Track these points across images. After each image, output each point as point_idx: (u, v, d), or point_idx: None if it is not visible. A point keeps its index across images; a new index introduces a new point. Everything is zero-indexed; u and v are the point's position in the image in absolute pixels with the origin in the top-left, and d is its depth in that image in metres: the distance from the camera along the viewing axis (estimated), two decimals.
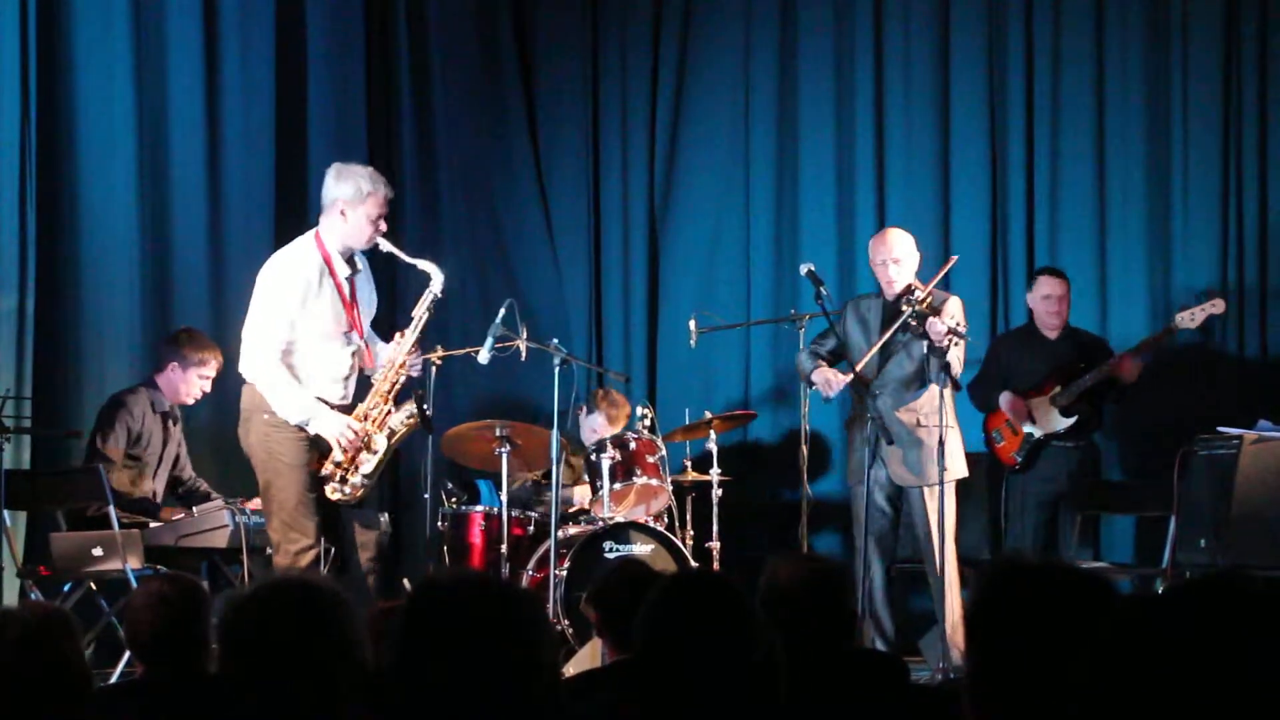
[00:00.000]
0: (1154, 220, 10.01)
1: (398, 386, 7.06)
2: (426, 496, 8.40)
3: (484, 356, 7.86)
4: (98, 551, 7.68)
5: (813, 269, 8.21)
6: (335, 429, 6.82)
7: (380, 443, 6.95)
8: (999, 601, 2.90)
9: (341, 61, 9.90)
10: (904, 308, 7.87)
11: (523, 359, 8.04)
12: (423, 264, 7.14)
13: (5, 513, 7.64)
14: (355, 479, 6.86)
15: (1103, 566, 8.21)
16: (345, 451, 6.85)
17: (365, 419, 6.96)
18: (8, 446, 7.66)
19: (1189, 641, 2.53)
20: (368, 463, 6.92)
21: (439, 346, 8.34)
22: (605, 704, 3.76)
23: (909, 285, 7.97)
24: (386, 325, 7.73)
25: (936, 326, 7.71)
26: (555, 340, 8.17)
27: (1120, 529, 9.24)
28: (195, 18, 9.11)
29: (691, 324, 9.02)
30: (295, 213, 8.95)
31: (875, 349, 8.03)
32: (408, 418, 7.05)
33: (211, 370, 8.35)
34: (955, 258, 8.45)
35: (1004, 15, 10.19)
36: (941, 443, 7.78)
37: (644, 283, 10.63)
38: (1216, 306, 8.82)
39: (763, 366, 10.42)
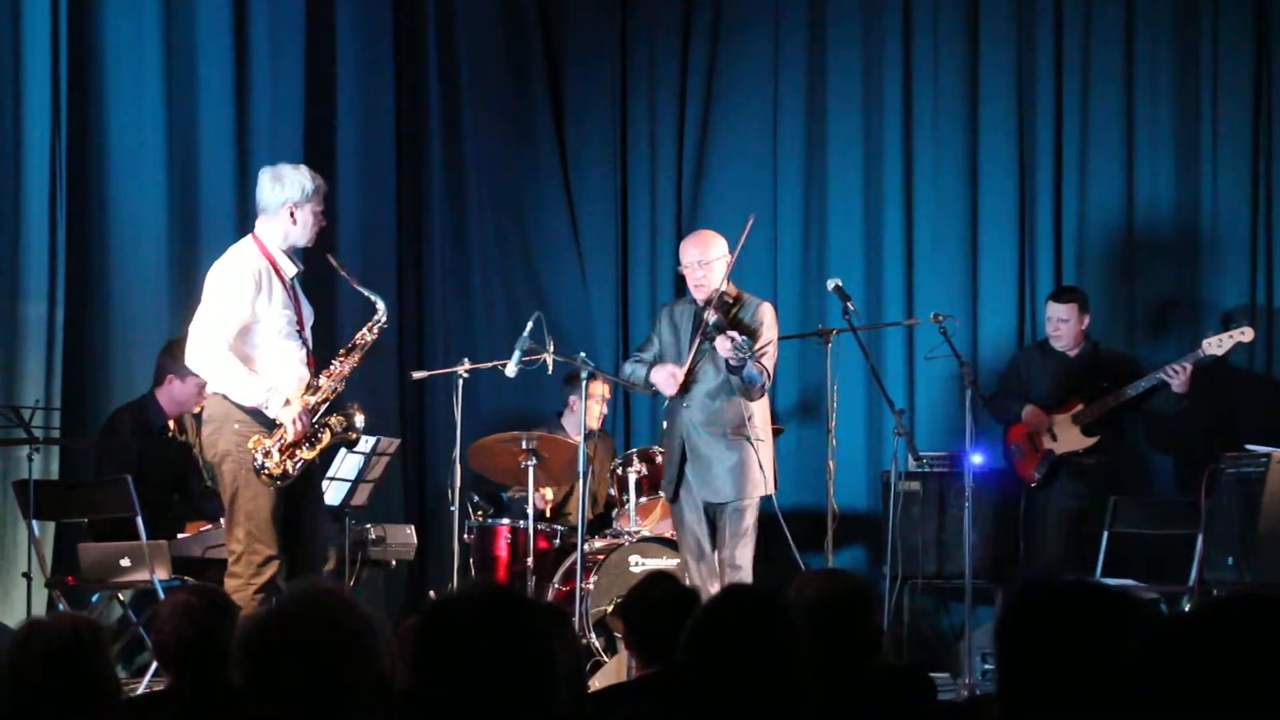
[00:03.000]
0: (1182, 238, 9.97)
1: (336, 394, 7.01)
2: (453, 509, 8.40)
3: (511, 369, 7.85)
4: (125, 562, 7.69)
5: (840, 284, 8.19)
6: (291, 413, 6.77)
7: (323, 436, 6.91)
8: (1028, 618, 2.90)
9: (370, 73, 9.93)
10: (706, 316, 7.57)
11: (549, 372, 8.03)
12: (369, 293, 7.08)
13: (34, 523, 7.66)
14: (288, 465, 6.79)
15: (1129, 584, 8.18)
16: (295, 435, 6.77)
17: (314, 413, 6.89)
18: (36, 457, 7.68)
19: (1217, 659, 2.52)
20: (305, 454, 6.85)
21: (466, 359, 8.34)
22: (634, 716, 3.77)
23: (717, 290, 7.64)
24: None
25: (722, 345, 7.39)
26: (582, 354, 8.16)
27: (1147, 546, 9.20)
28: (225, 30, 9.14)
29: None
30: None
31: (690, 358, 7.67)
32: (345, 429, 6.98)
33: None
34: (753, 216, 7.97)
35: (1033, 30, 10.16)
36: (746, 457, 7.58)
37: (671, 296, 10.63)
38: (1245, 335, 8.74)
39: (789, 382, 10.40)
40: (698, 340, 7.64)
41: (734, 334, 7.36)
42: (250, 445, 6.71)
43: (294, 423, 6.72)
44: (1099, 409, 8.88)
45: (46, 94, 8.42)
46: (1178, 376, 8.66)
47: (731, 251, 7.76)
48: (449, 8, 10.32)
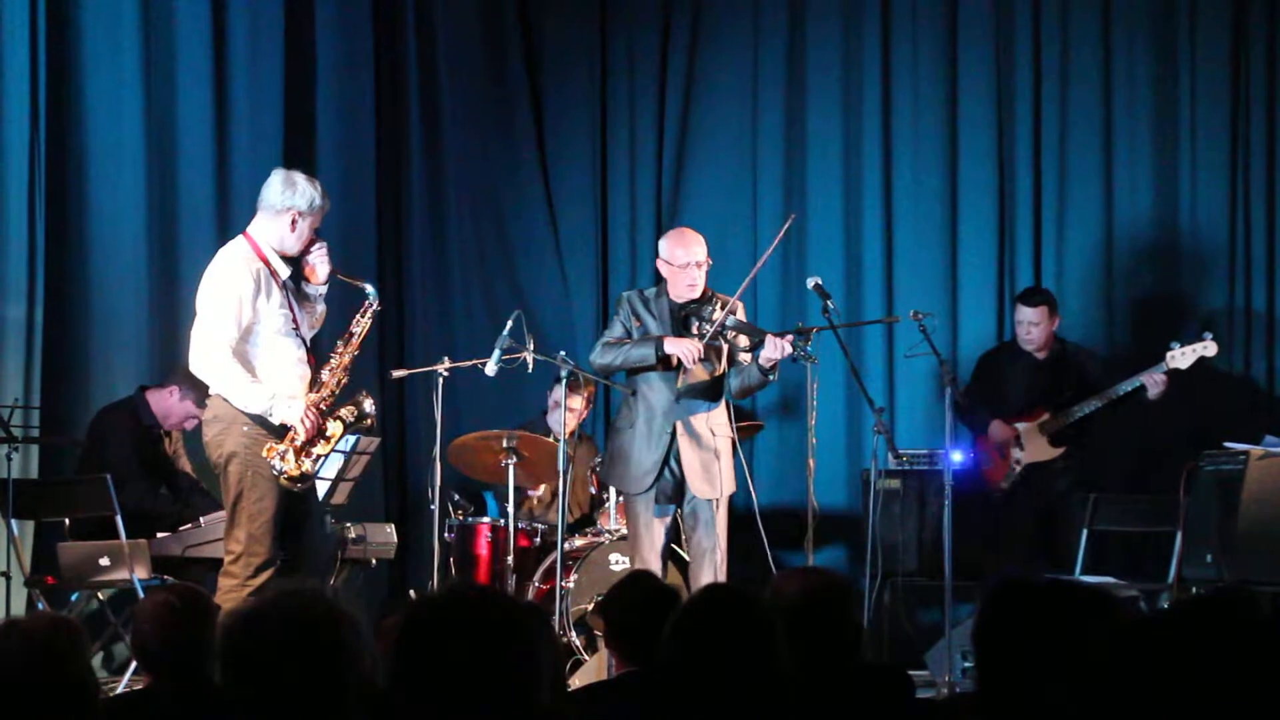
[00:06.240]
0: (1161, 241, 10.00)
1: (341, 385, 6.99)
2: (433, 508, 8.39)
3: (491, 368, 7.83)
4: (105, 561, 7.68)
5: (819, 283, 8.17)
6: (297, 413, 6.74)
7: (335, 428, 6.89)
8: (1004, 618, 2.91)
9: (350, 75, 9.92)
10: (715, 315, 7.43)
11: (529, 371, 8.01)
12: (356, 281, 7.07)
13: (13, 522, 7.65)
14: (306, 464, 6.78)
15: (1109, 581, 8.20)
16: (306, 434, 6.74)
17: (320, 408, 6.87)
18: (15, 456, 7.67)
19: (1195, 656, 2.53)
20: (319, 450, 6.84)
21: (446, 358, 8.33)
22: (615, 715, 3.77)
23: (707, 292, 7.55)
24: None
25: (781, 347, 7.29)
26: (562, 352, 8.14)
27: (1126, 544, 9.23)
28: (204, 32, 9.13)
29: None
30: None
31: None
32: (358, 418, 6.97)
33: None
34: (794, 216, 8.07)
35: (1012, 32, 10.18)
36: (725, 454, 7.55)
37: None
38: (1208, 349, 8.66)
39: None
40: (711, 338, 7.45)
41: (790, 336, 7.36)
42: (264, 454, 6.70)
43: (302, 422, 6.71)
44: (1063, 420, 8.87)
45: (25, 93, 8.40)
46: (1157, 387, 8.66)
47: (767, 249, 7.77)
48: (428, 9, 10.31)
